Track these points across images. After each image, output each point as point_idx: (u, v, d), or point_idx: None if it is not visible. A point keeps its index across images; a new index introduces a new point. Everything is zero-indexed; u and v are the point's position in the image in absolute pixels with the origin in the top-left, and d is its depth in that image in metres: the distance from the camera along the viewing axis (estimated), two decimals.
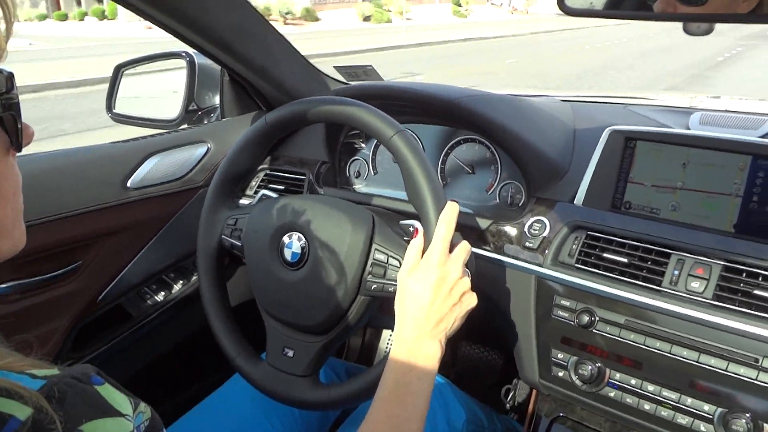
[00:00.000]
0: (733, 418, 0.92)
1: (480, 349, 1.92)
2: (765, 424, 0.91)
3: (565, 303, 1.08)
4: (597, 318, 1.04)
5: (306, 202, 1.07)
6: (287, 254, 1.04)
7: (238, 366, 1.10)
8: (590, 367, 1.05)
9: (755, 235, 0.99)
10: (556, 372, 1.10)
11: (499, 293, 1.16)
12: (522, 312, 1.14)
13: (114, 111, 1.71)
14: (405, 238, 1.01)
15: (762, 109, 1.30)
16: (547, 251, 1.11)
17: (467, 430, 1.20)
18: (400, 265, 0.95)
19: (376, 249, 1.00)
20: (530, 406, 1.21)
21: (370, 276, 0.99)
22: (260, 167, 1.56)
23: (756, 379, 0.90)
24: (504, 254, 1.17)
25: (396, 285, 0.94)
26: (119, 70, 1.73)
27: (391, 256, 0.99)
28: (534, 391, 1.23)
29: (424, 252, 0.92)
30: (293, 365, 1.05)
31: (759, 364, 0.90)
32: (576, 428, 1.14)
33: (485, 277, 1.15)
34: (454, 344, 1.96)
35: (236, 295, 1.39)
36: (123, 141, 1.43)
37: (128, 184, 1.34)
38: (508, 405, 1.52)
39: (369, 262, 1.00)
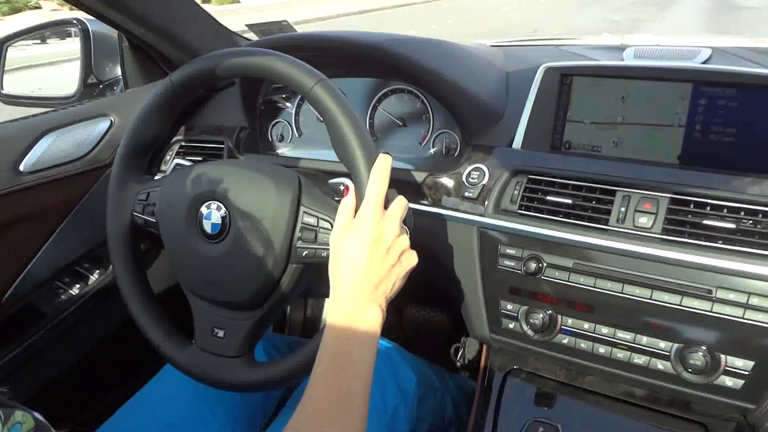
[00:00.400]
0: (689, 352, 0.89)
1: (426, 311, 1.87)
2: (721, 356, 0.88)
3: (511, 252, 1.02)
4: (545, 264, 0.99)
5: (224, 168, 0.97)
6: (206, 226, 0.93)
7: (164, 352, 1.00)
8: (541, 316, 1.00)
9: (701, 164, 0.95)
10: (507, 324, 1.05)
11: (441, 249, 1.10)
12: (466, 266, 1.08)
13: (1, 92, 1.54)
14: (335, 198, 0.92)
15: (694, 43, 1.26)
16: (487, 200, 1.05)
17: (419, 393, 1.14)
18: (332, 227, 0.87)
19: (304, 212, 0.91)
20: (482, 362, 1.16)
21: (300, 242, 0.90)
22: (174, 139, 1.44)
23: (710, 311, 0.87)
24: (443, 207, 1.10)
25: (329, 249, 0.86)
26: (3, 45, 1.56)
27: (321, 219, 0.90)
28: (485, 347, 1.17)
29: (356, 211, 0.84)
30: (224, 346, 0.96)
31: (712, 295, 0.87)
32: (530, 379, 1.09)
33: (425, 233, 1.08)
34: (399, 308, 1.90)
35: (162, 280, 1.28)
36: (11, 121, 1.28)
37: (21, 168, 1.20)
38: (459, 363, 1.48)
39: (297, 227, 0.91)
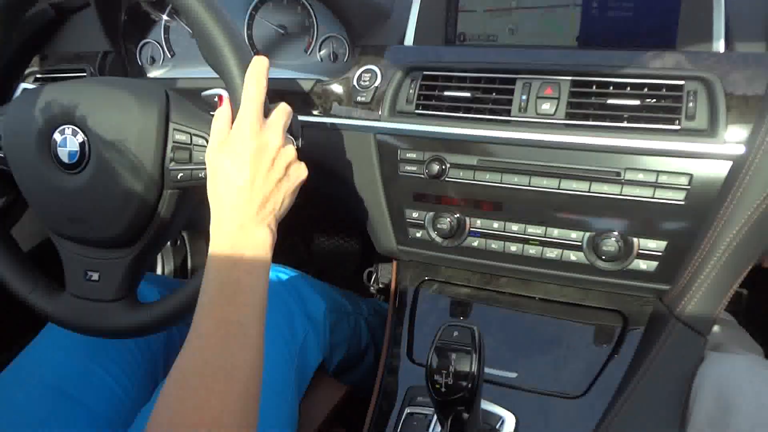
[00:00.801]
0: (602, 240, 0.86)
1: (335, 239, 1.80)
2: (634, 239, 0.86)
3: (412, 155, 0.95)
4: (448, 165, 0.93)
5: (77, 87, 0.83)
6: (62, 155, 0.80)
7: (32, 303, 0.87)
8: (449, 220, 0.94)
9: (601, 44, 0.90)
10: (414, 233, 0.99)
11: (337, 161, 1.01)
12: (366, 176, 1.00)
13: None
14: (210, 112, 0.81)
15: None
16: (382, 103, 0.97)
17: (330, 320, 1.07)
18: (207, 143, 0.76)
19: (174, 129, 0.80)
20: (393, 279, 1.10)
21: (173, 163, 0.79)
22: (28, 71, 1.26)
23: (620, 195, 0.84)
24: (335, 116, 1.01)
25: (206, 168, 0.75)
26: None
27: (194, 135, 0.79)
28: (395, 263, 1.11)
29: (233, 122, 0.74)
30: (101, 290, 0.84)
31: (621, 177, 0.83)
32: (443, 289, 1.05)
33: (319, 146, 0.99)
34: (306, 240, 1.82)
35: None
36: None
37: None
38: (373, 288, 1.42)
39: (169, 147, 0.79)
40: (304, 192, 0.79)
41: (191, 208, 0.87)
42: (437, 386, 0.62)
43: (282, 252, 0.84)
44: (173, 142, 0.79)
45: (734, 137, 0.78)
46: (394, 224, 1.01)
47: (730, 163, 0.79)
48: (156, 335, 1.01)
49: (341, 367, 1.13)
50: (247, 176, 0.71)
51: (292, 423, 0.95)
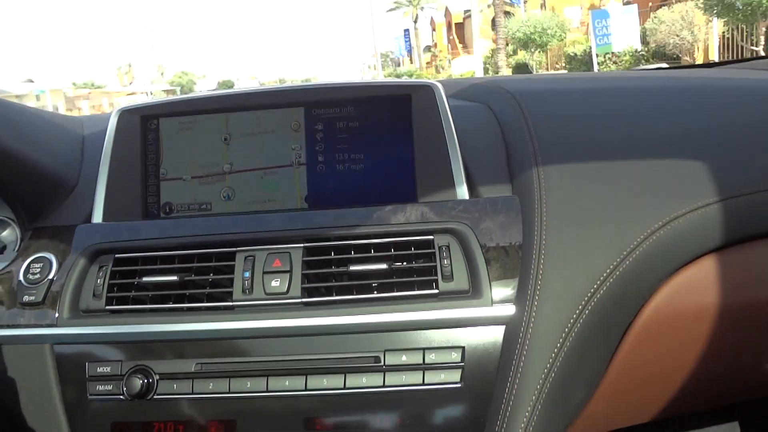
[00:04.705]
0: None
1: None
2: None
3: (105, 369, 0.69)
4: (156, 377, 0.68)
5: None
6: None
7: None
8: None
9: (333, 203, 0.75)
10: None
11: None
12: (40, 405, 0.71)
13: None
14: None
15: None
16: (59, 301, 0.70)
17: None
18: None
19: None
20: None
21: None
22: None
23: (384, 386, 0.65)
24: None
25: None
26: None
27: None
28: None
29: None
30: None
31: (381, 363, 0.65)
32: None
33: None
34: None
35: None
36: None
37: None
38: None
39: None
40: None
41: None
42: None
43: None
44: None
45: (501, 296, 0.65)
46: None
47: (503, 327, 0.64)
48: None
49: None
50: None
51: None
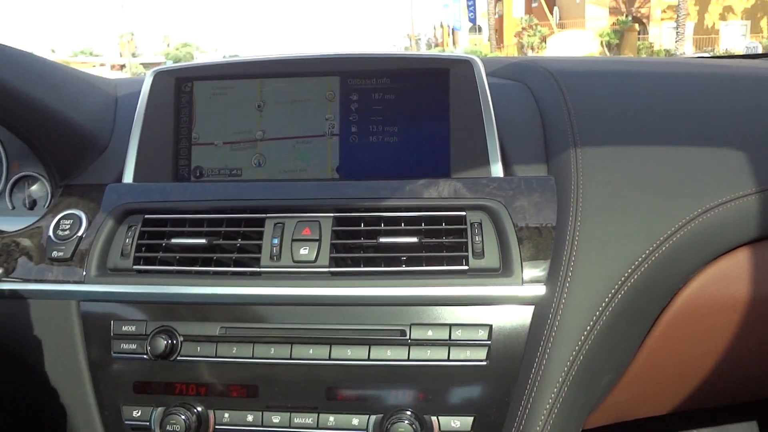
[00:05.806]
0: (392, 423, 0.65)
1: None
2: (432, 418, 0.65)
3: (130, 328, 0.69)
4: (180, 339, 0.68)
5: None
6: None
7: None
8: (184, 418, 0.67)
9: (364, 174, 0.74)
10: None
11: (20, 342, 0.71)
12: (64, 362, 0.71)
13: None
14: None
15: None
16: (87, 258, 0.71)
17: None
18: None
19: None
20: None
21: None
22: None
23: (408, 360, 0.65)
24: (19, 279, 0.72)
25: None
26: None
27: None
28: None
29: None
30: None
31: (407, 337, 0.65)
32: None
33: None
34: None
35: None
36: None
37: None
38: None
39: None
40: None
41: None
42: None
43: None
44: None
45: (532, 276, 0.64)
46: (107, 428, 0.71)
47: (532, 307, 0.64)
48: None
49: None
50: None
51: None
